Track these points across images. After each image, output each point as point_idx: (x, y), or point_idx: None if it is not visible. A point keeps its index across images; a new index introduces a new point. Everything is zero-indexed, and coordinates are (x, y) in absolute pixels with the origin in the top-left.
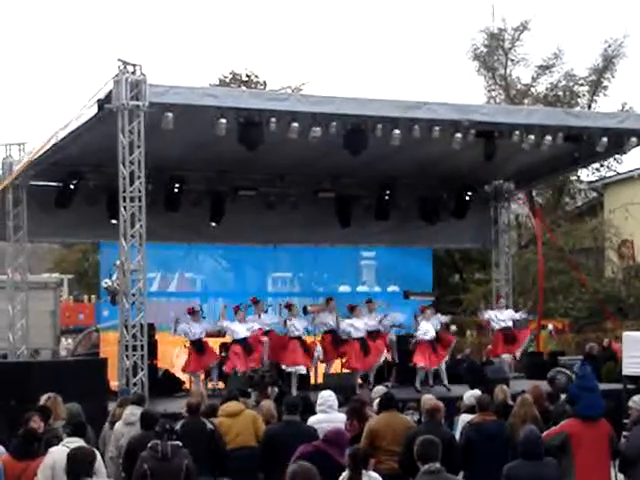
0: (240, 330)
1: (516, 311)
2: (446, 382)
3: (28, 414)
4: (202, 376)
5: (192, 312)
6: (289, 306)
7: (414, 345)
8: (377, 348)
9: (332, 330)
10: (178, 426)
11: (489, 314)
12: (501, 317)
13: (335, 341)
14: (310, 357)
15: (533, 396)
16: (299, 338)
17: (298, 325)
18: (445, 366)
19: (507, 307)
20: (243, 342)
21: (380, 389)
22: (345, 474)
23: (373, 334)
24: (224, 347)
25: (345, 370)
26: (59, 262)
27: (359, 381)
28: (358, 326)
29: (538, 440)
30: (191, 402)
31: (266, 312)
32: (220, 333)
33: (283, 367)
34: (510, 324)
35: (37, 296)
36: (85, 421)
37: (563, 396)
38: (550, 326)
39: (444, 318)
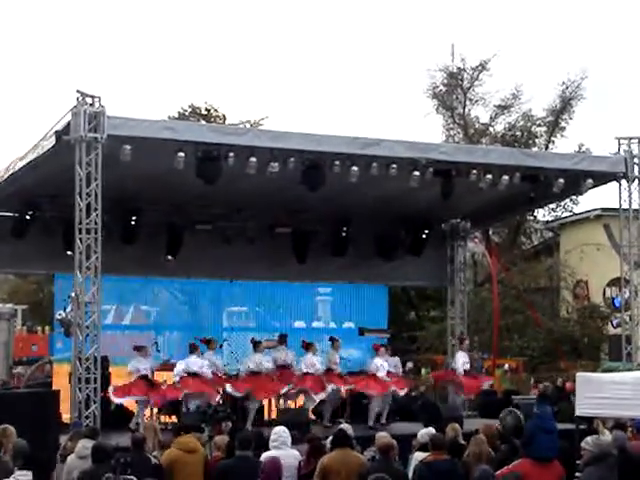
0: (194, 366)
1: (470, 350)
2: (384, 420)
3: None
4: (155, 410)
5: (138, 349)
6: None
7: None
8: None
9: (283, 366)
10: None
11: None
12: (462, 361)
13: (285, 376)
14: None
15: (486, 435)
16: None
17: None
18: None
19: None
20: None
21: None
22: None
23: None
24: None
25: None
26: (13, 292)
27: (312, 417)
28: (309, 364)
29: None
30: (136, 436)
31: (220, 347)
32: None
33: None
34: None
35: None
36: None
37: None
38: (506, 366)
39: (395, 361)
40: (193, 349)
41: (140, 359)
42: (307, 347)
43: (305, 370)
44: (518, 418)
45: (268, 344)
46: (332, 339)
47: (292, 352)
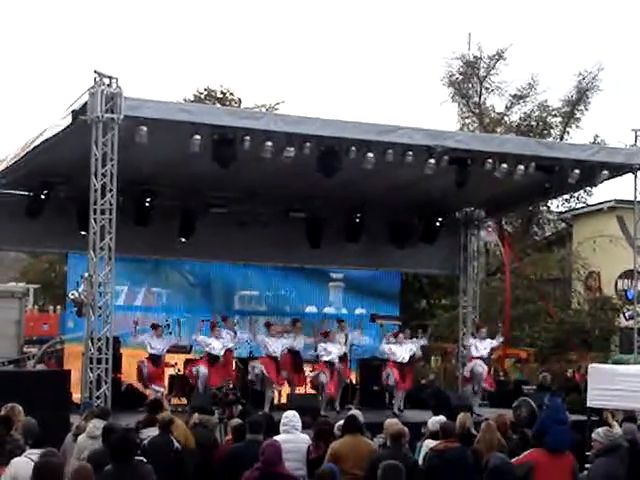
0: (217, 346)
1: (492, 338)
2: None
3: None
4: (165, 391)
5: (154, 327)
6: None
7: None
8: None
9: (292, 350)
10: (145, 441)
11: (471, 342)
12: (482, 346)
13: (295, 361)
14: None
15: (497, 424)
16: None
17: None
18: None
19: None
20: (217, 358)
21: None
22: None
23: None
24: (189, 363)
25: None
26: (25, 271)
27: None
28: (331, 350)
29: (509, 469)
30: (164, 418)
31: (234, 329)
32: (186, 349)
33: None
34: (485, 353)
35: (3, 305)
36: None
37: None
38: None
39: (422, 342)
40: (213, 327)
41: (154, 338)
42: (325, 335)
43: (324, 358)
44: (532, 408)
45: (278, 329)
46: (338, 321)
47: (303, 338)
